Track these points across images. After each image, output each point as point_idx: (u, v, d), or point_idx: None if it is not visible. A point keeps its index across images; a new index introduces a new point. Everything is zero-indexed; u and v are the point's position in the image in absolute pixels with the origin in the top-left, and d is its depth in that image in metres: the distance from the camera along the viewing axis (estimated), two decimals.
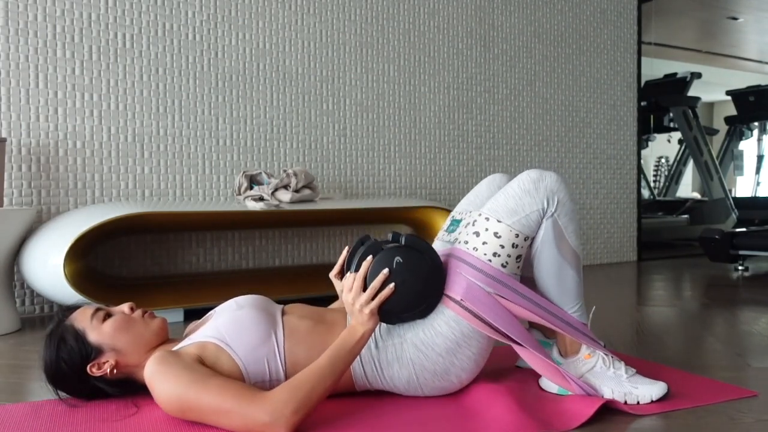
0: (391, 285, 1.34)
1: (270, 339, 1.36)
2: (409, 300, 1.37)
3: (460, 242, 1.47)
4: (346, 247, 1.49)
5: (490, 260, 1.41)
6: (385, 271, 1.34)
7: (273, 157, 3.16)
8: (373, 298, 1.33)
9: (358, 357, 1.39)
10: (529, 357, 1.42)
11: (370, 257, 1.35)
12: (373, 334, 1.41)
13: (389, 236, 1.46)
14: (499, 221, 1.43)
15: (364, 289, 1.34)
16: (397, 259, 1.35)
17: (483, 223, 1.44)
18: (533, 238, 1.46)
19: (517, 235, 1.42)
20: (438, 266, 1.40)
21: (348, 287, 1.35)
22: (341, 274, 1.50)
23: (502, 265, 1.42)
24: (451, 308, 1.39)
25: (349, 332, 1.33)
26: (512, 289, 1.42)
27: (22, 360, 1.94)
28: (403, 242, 1.38)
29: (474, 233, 1.45)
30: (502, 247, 1.42)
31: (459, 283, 1.40)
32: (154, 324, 1.43)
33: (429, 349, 1.39)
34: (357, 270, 1.35)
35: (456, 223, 1.61)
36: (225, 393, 1.21)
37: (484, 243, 1.42)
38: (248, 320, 1.37)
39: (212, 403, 1.21)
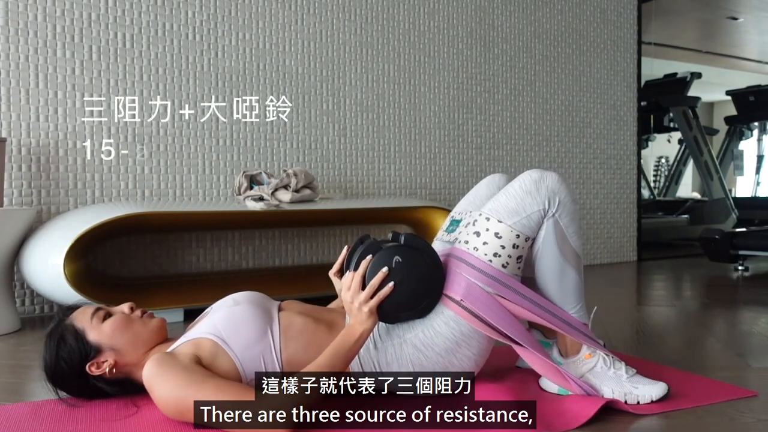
0: (390, 284, 1.34)
1: (266, 335, 1.36)
2: (408, 299, 1.36)
3: (460, 242, 1.47)
4: (346, 246, 1.48)
5: (490, 260, 1.41)
6: (384, 269, 1.34)
7: (273, 157, 3.16)
8: (372, 297, 1.33)
9: (357, 359, 1.39)
10: (529, 357, 1.42)
11: (369, 256, 1.35)
12: (371, 335, 1.41)
13: (389, 236, 1.46)
14: (500, 221, 1.42)
15: (363, 287, 1.34)
16: (397, 258, 1.35)
17: (484, 223, 1.44)
18: (534, 239, 1.46)
19: (518, 236, 1.42)
20: (437, 266, 1.40)
21: (347, 286, 1.35)
22: (341, 273, 1.50)
23: (503, 266, 1.41)
24: (451, 308, 1.39)
25: (348, 331, 1.33)
26: (513, 290, 1.41)
27: (22, 360, 1.94)
28: (402, 241, 1.38)
29: (474, 233, 1.44)
30: (503, 247, 1.41)
31: (459, 283, 1.40)
32: (153, 324, 1.44)
33: (428, 349, 1.39)
34: (356, 269, 1.35)
35: (455, 223, 1.60)
36: (222, 395, 1.21)
37: (484, 243, 1.42)
38: (244, 316, 1.37)
39: None
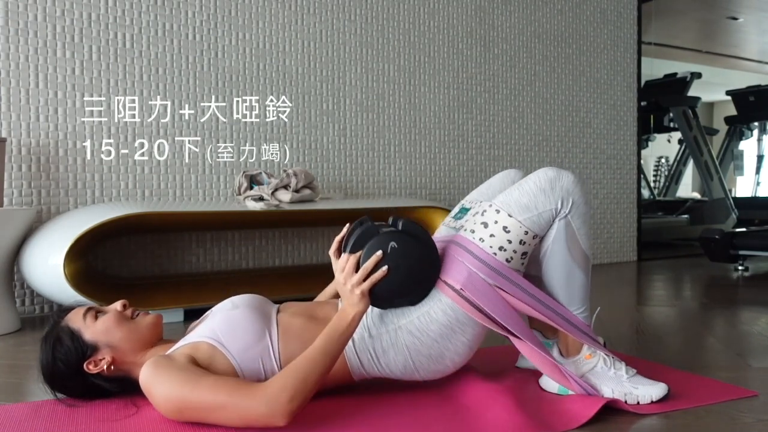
0: (384, 267, 1.33)
1: (264, 338, 1.36)
2: (402, 285, 1.36)
3: (466, 230, 1.45)
4: (348, 224, 1.45)
5: (495, 253, 1.40)
6: (379, 252, 1.33)
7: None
8: (365, 280, 1.33)
9: (353, 347, 1.39)
10: (527, 351, 1.42)
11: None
12: (366, 324, 1.41)
13: (390, 220, 1.46)
14: (510, 215, 1.41)
15: (358, 270, 1.34)
16: (392, 244, 1.35)
17: (493, 215, 1.43)
18: (542, 237, 1.45)
19: (526, 233, 1.41)
20: (433, 255, 1.39)
21: (341, 267, 1.35)
22: (339, 252, 1.49)
23: (507, 260, 1.41)
24: (449, 296, 1.38)
25: (340, 316, 1.32)
26: (515, 284, 1.40)
27: (22, 360, 1.94)
28: (400, 227, 1.38)
29: (482, 224, 1.43)
30: (510, 242, 1.40)
31: (460, 272, 1.39)
32: (147, 319, 1.44)
33: (424, 335, 1.39)
34: (352, 251, 1.35)
35: (464, 211, 1.58)
36: (219, 389, 1.21)
37: (491, 235, 1.41)
38: (242, 319, 1.37)
39: (207, 400, 1.21)
